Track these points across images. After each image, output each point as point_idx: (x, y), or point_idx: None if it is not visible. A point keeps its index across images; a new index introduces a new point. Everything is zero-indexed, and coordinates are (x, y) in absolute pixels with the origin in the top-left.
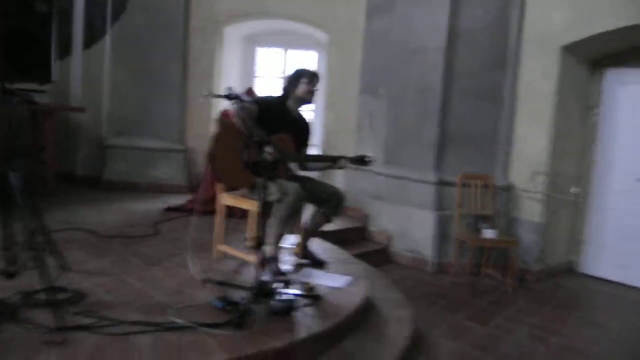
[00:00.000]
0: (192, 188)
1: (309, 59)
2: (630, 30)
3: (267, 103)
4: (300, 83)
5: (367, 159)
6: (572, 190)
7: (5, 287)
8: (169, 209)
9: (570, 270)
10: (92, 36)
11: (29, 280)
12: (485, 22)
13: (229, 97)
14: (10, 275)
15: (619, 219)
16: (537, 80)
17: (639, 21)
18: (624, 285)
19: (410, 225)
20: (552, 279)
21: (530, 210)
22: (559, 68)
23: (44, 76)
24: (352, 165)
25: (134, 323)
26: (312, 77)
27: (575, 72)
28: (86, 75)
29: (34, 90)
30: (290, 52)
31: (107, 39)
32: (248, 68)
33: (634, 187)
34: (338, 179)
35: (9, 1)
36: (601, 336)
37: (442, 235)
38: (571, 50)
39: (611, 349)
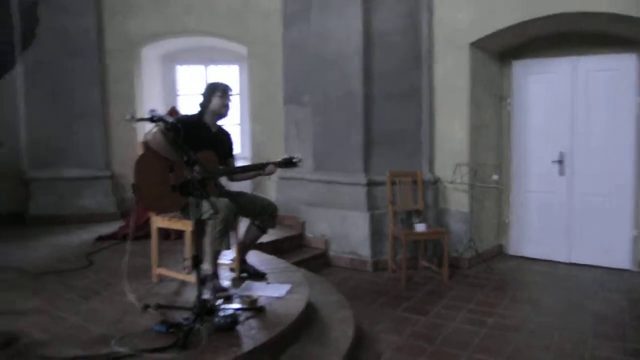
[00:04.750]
0: (123, 214)
1: (230, 74)
2: (527, 24)
3: (184, 122)
4: (214, 97)
5: (294, 160)
6: (494, 177)
7: None
8: (101, 238)
9: (500, 254)
10: (2, 66)
11: None
12: (397, 25)
13: (152, 119)
14: None
15: (539, 199)
16: (451, 77)
17: (533, 16)
18: (549, 261)
19: (346, 227)
20: (484, 264)
21: (457, 201)
22: (470, 64)
23: None
24: (281, 169)
25: (74, 359)
26: (224, 90)
27: (486, 66)
28: None
29: None
30: (211, 67)
31: (19, 67)
32: (169, 87)
33: (550, 168)
34: (271, 190)
35: None
36: (533, 312)
37: (377, 234)
38: (479, 45)
39: (543, 321)
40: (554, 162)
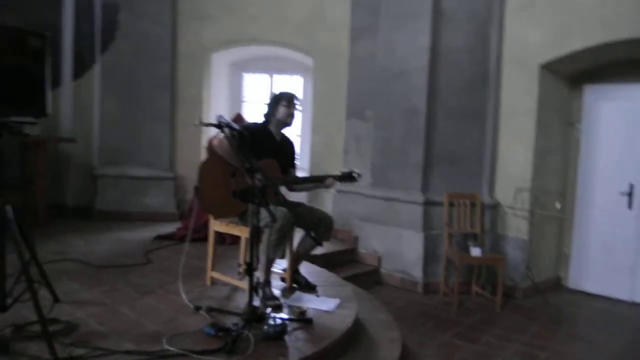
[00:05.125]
0: (182, 216)
1: (294, 84)
2: (603, 48)
3: (250, 129)
4: (280, 106)
5: (354, 175)
6: (556, 205)
7: None
8: (160, 237)
9: (557, 286)
10: (82, 66)
11: (22, 312)
12: (465, 43)
13: (219, 125)
14: (3, 308)
15: (603, 232)
16: (518, 99)
17: (609, 39)
18: (610, 298)
19: (399, 246)
20: (540, 295)
21: (516, 227)
22: (539, 86)
23: (39, 110)
24: (340, 183)
25: (127, 352)
26: (290, 99)
27: (555, 89)
28: (76, 105)
29: (25, 122)
30: (276, 77)
31: (97, 68)
32: (235, 94)
33: (617, 200)
34: (327, 202)
35: (2, 37)
36: (588, 351)
37: (431, 255)
38: (550, 68)
39: None
40: (622, 194)
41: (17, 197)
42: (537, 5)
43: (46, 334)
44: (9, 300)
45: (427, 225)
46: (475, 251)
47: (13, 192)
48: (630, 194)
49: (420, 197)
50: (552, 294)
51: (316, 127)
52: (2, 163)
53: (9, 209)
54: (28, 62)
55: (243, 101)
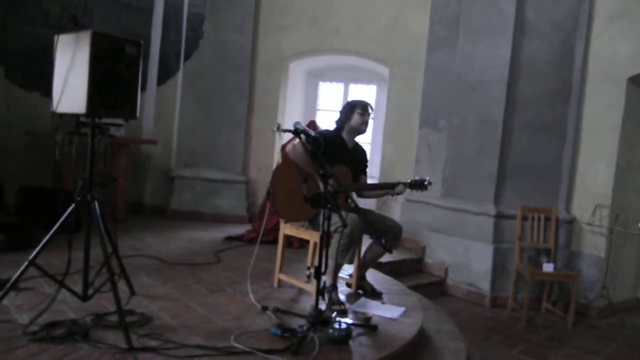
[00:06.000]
0: (251, 218)
1: (369, 93)
2: None
3: (324, 136)
4: (354, 114)
5: (425, 183)
6: (639, 224)
7: (80, 309)
8: (230, 238)
9: (636, 307)
10: (166, 72)
11: (101, 302)
12: (548, 55)
13: (296, 131)
14: (85, 297)
15: None
16: (602, 113)
17: None
18: None
19: (468, 258)
20: (616, 316)
21: (593, 245)
22: (626, 100)
23: (130, 113)
24: (410, 191)
25: (197, 347)
26: (365, 107)
27: None
28: (158, 109)
29: (114, 124)
30: (352, 86)
31: (180, 75)
32: (310, 102)
33: None
34: (395, 210)
35: (104, 45)
36: None
37: (500, 269)
38: (638, 81)
39: None
40: None
41: (102, 194)
42: (627, 16)
43: (123, 324)
44: (90, 290)
45: (498, 238)
46: (548, 267)
47: (99, 189)
48: None
49: (492, 209)
50: (630, 316)
51: (388, 136)
52: (94, 162)
53: (95, 204)
54: (122, 67)
55: (317, 109)
